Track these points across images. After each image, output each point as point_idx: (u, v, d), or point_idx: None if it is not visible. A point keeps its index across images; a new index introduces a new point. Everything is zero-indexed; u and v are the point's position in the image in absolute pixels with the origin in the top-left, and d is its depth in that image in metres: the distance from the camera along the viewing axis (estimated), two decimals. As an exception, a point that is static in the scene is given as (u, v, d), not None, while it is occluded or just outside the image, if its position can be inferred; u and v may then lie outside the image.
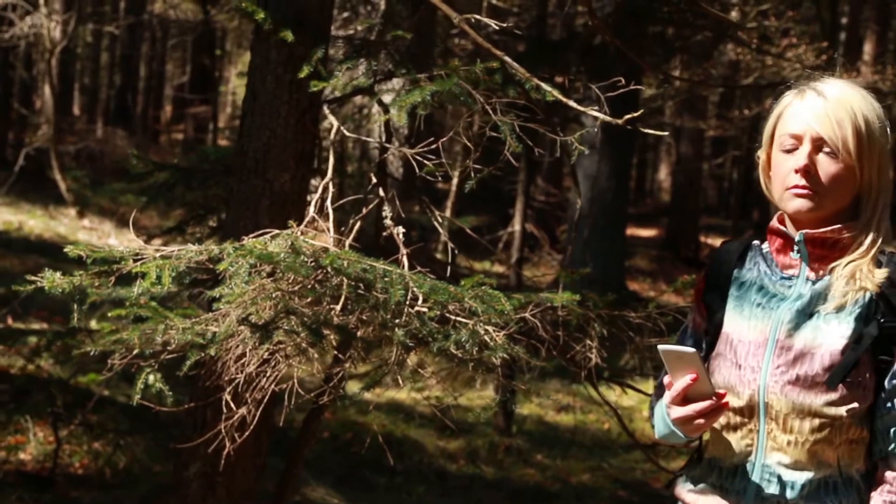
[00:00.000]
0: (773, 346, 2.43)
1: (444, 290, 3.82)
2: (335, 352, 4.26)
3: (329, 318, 3.81)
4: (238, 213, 4.46)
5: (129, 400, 6.95)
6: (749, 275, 2.55)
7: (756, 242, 2.59)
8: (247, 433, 3.99)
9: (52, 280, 3.75)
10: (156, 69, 29.83)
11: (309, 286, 3.83)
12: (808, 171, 2.40)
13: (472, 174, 4.21)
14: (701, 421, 2.41)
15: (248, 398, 3.97)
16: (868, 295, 2.39)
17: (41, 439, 6.45)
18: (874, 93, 2.53)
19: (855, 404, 2.36)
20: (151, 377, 6.79)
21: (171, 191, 4.79)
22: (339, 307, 3.83)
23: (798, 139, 2.42)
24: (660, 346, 2.41)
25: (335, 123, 4.40)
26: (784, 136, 2.45)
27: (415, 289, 3.82)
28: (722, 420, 2.49)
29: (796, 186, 2.41)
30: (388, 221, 4.32)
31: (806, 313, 2.42)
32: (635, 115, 4.09)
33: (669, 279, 17.38)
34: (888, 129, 2.47)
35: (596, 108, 4.19)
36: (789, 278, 2.49)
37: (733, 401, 2.46)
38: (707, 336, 2.59)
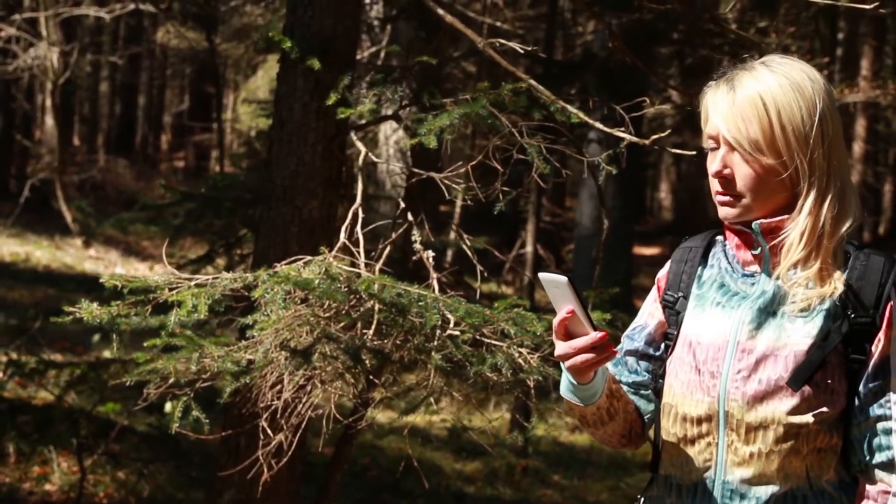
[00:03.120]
0: (733, 348, 2.21)
1: (479, 313, 3.84)
2: (367, 377, 4.27)
3: (365, 343, 3.83)
4: (268, 241, 4.48)
5: (149, 428, 6.99)
6: (710, 272, 2.35)
7: (719, 238, 2.39)
8: (284, 459, 4.01)
9: (89, 311, 3.75)
10: (155, 98, 29.89)
11: (343, 311, 3.85)
12: (724, 177, 2.22)
13: (501, 196, 4.24)
14: (580, 359, 2.15)
15: (284, 424, 3.99)
16: (839, 286, 2.18)
17: (65, 469, 6.46)
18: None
19: (823, 409, 2.15)
20: (168, 407, 6.80)
21: (198, 220, 4.81)
22: (371, 331, 3.85)
23: (715, 140, 2.24)
24: (540, 274, 2.19)
25: (363, 149, 4.42)
26: (706, 135, 2.27)
27: (447, 313, 3.84)
28: (678, 432, 2.28)
29: (717, 193, 2.25)
30: (417, 246, 4.34)
31: (769, 312, 2.21)
32: (662, 135, 4.12)
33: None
34: (818, 109, 2.19)
35: (622, 129, 4.23)
36: (752, 275, 2.28)
37: (692, 409, 2.26)
38: (667, 339, 2.39)
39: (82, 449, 6.22)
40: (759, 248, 2.26)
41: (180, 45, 20.54)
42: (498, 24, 12.16)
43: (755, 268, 2.28)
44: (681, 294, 2.37)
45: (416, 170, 4.50)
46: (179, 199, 4.90)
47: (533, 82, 4.22)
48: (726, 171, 2.21)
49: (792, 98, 2.18)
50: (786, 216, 2.21)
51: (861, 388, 2.17)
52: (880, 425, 2.17)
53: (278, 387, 3.95)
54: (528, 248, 9.25)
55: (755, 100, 2.18)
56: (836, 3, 4.04)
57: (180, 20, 17.79)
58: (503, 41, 4.42)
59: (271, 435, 3.96)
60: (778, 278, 2.22)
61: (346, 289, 3.80)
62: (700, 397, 2.23)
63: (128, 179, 23.08)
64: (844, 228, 2.21)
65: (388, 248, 4.35)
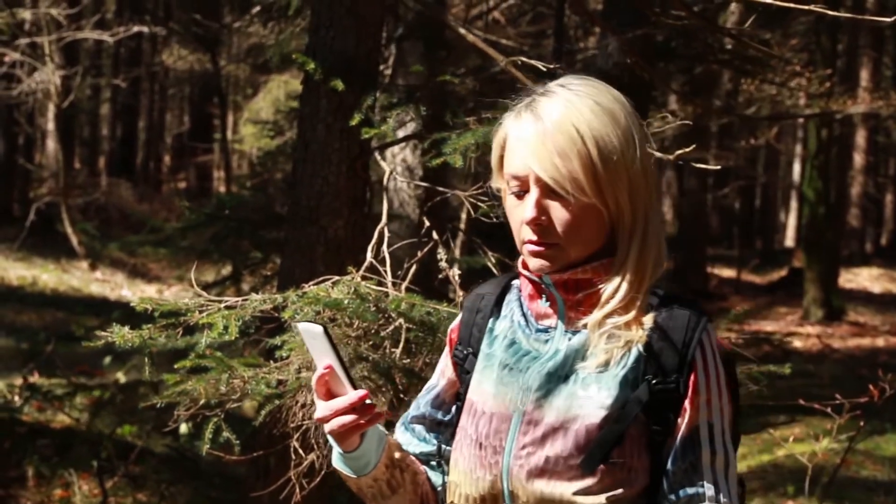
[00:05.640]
0: (518, 419, 1.90)
1: (508, 330, 3.85)
2: (396, 395, 4.28)
3: (395, 361, 3.85)
4: (293, 261, 4.50)
5: (168, 450, 7.01)
6: (502, 325, 2.02)
7: (515, 283, 2.06)
8: (317, 479, 4.02)
9: (121, 334, 3.76)
10: (156, 119, 29.97)
11: (372, 331, 3.87)
12: (540, 224, 1.87)
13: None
14: (338, 422, 1.88)
15: (314, 443, 4.00)
16: (636, 350, 1.88)
17: (86, 493, 6.47)
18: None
19: (619, 491, 1.84)
20: (183, 428, 6.79)
21: (223, 241, 4.83)
22: (399, 350, 3.87)
23: (522, 182, 1.89)
24: (297, 324, 1.94)
25: (387, 169, 4.45)
26: (508, 176, 1.92)
27: (476, 330, 3.85)
28: None
29: (530, 242, 1.89)
30: (443, 264, 4.36)
31: (560, 376, 1.90)
32: (686, 150, 4.14)
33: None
34: (636, 137, 1.89)
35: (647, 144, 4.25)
36: (546, 331, 1.96)
37: (474, 489, 1.95)
38: (458, 400, 2.08)
39: (103, 471, 6.23)
40: (549, 301, 1.96)
41: (185, 65, 20.63)
42: (503, 41, 12.19)
43: (551, 322, 1.97)
44: (470, 350, 2.06)
45: (441, 188, 4.52)
46: (203, 220, 4.91)
47: (555, 99, 4.24)
48: (544, 218, 1.88)
49: (609, 126, 1.87)
50: (584, 267, 1.91)
51: (669, 466, 1.87)
52: None
53: (308, 406, 3.97)
54: (539, 265, 9.24)
55: (570, 131, 1.85)
56: (856, 16, 4.07)
57: (185, 41, 17.90)
58: (524, 59, 4.45)
59: (303, 455, 3.97)
60: (576, 334, 1.93)
61: (374, 308, 3.82)
62: (481, 474, 1.93)
63: (130, 201, 23.15)
64: (658, 275, 1.93)
65: (414, 267, 4.36)
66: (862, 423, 5.26)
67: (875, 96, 18.00)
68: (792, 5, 4.26)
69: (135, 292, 15.41)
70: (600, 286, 1.90)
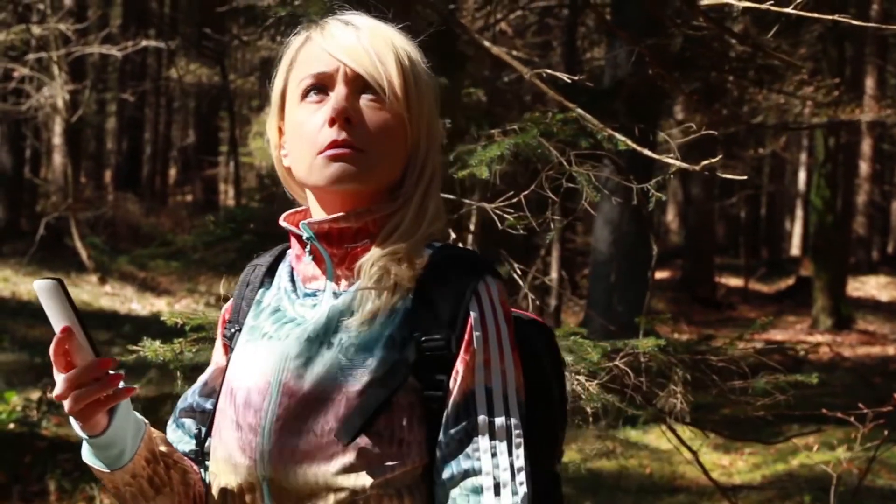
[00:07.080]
0: (276, 393, 1.65)
1: (537, 341, 3.85)
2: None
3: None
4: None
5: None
6: (270, 294, 1.80)
7: (291, 251, 1.83)
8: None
9: (153, 349, 3.78)
10: (162, 133, 30.04)
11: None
12: (349, 120, 1.65)
13: (552, 225, 4.28)
14: (76, 395, 1.59)
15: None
16: (404, 307, 1.65)
17: (108, 507, 6.49)
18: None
19: (389, 464, 1.60)
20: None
21: (249, 255, 4.84)
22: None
23: (326, 81, 1.69)
24: (35, 283, 1.63)
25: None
26: (305, 80, 1.70)
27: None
28: None
29: (334, 144, 1.65)
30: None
31: (322, 341, 1.66)
32: (713, 161, 4.15)
33: (689, 320, 17.45)
34: (433, 75, 1.77)
35: (672, 155, 4.26)
36: (314, 294, 1.73)
37: (231, 478, 1.69)
38: None
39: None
40: (313, 257, 1.74)
41: (193, 79, 20.69)
42: (513, 52, 12.24)
43: (319, 284, 1.74)
44: (237, 327, 1.82)
45: (466, 200, 4.53)
46: (228, 234, 4.94)
47: (580, 111, 4.26)
48: (353, 114, 1.67)
49: (415, 51, 1.75)
50: (342, 216, 1.70)
51: (441, 436, 1.62)
52: (468, 482, 1.61)
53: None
54: (553, 275, 9.28)
55: (385, 38, 1.71)
56: (879, 25, 4.08)
57: (193, 55, 17.95)
58: (549, 71, 4.47)
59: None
60: (345, 293, 1.71)
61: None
62: (239, 460, 1.67)
63: (137, 215, 23.20)
64: (435, 228, 1.74)
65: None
66: (886, 432, 5.27)
67: (881, 104, 18.01)
68: (812, 14, 4.28)
69: (144, 306, 15.45)
70: (371, 226, 1.70)
